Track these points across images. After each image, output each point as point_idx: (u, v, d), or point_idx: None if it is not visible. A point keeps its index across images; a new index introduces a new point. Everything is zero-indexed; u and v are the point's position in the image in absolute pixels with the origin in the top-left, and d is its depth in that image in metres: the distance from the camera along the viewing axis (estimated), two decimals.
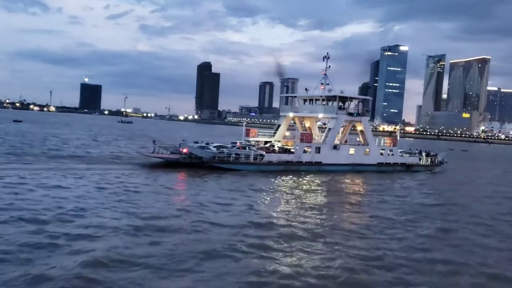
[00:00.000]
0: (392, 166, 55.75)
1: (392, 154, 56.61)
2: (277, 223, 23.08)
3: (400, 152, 59.21)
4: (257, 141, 53.32)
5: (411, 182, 46.36)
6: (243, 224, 22.07)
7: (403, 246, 20.26)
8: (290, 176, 42.74)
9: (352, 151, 52.92)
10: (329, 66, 55.78)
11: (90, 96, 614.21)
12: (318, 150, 50.04)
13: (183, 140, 48.77)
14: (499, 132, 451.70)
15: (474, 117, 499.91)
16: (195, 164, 42.63)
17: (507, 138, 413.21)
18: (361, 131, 55.42)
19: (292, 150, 49.26)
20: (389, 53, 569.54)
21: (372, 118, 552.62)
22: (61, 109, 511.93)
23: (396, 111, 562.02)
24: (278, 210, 26.74)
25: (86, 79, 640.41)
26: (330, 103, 54.19)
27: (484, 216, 29.16)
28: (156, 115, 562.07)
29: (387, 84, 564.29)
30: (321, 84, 56.05)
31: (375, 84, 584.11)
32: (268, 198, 30.55)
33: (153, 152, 46.12)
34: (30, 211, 21.67)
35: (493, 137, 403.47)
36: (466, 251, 20.34)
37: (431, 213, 29.21)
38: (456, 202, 34.87)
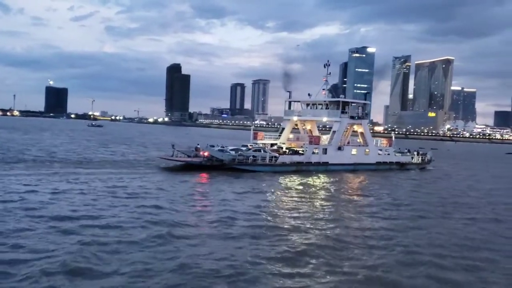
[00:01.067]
0: (389, 164, 59.88)
1: (388, 154, 60.70)
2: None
3: (393, 151, 63.32)
4: (264, 144, 55.87)
5: (416, 177, 53.17)
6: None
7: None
8: (304, 176, 45.85)
9: (354, 151, 56.48)
10: (330, 73, 59.40)
11: (56, 99, 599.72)
12: (325, 151, 53.37)
13: (198, 144, 50.97)
14: (464, 130, 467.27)
15: (439, 116, 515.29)
16: (216, 166, 44.84)
17: (471, 136, 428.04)
18: (361, 133, 59.24)
19: (301, 152, 52.49)
20: (357, 54, 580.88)
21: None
22: (25, 113, 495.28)
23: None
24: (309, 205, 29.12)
25: (51, 82, 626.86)
26: (332, 107, 57.43)
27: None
28: (124, 118, 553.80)
29: (355, 85, 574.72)
30: (323, 89, 59.88)
31: (344, 85, 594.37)
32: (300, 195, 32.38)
33: (172, 156, 47.98)
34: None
35: (458, 135, 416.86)
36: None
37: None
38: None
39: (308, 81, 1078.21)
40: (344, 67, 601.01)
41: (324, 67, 59.35)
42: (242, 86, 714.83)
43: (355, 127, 58.89)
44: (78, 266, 15.10)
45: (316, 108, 59.05)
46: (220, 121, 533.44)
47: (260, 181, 39.77)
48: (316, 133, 62.22)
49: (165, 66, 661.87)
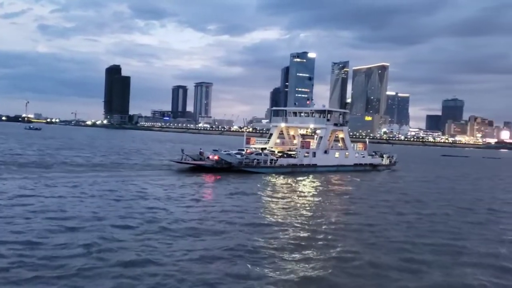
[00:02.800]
0: (364, 166, 66.75)
1: (363, 157, 67.75)
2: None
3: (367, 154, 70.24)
4: (255, 148, 60.23)
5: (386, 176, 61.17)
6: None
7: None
8: (298, 176, 51.43)
9: (337, 154, 63.46)
10: (313, 84, 68.95)
11: None
12: (314, 154, 59.51)
13: (200, 149, 55.43)
14: (399, 133, 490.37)
15: (375, 120, 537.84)
16: (226, 169, 49.20)
17: (406, 139, 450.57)
18: (342, 138, 65.95)
19: (293, 155, 57.99)
20: (298, 59, 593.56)
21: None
22: None
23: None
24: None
25: None
26: (318, 115, 63.63)
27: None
28: (61, 120, 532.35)
29: (296, 89, 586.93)
30: (308, 100, 68.24)
31: (286, 89, 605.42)
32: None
33: (181, 159, 52.06)
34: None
35: (394, 138, 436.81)
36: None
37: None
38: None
39: (249, 84, 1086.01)
40: (286, 71, 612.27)
41: (309, 79, 68.41)
42: (184, 88, 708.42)
43: (337, 133, 65.43)
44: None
45: (301, 116, 65.15)
46: (162, 124, 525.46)
47: (267, 180, 45.42)
48: (299, 139, 66.41)
49: (103, 67, 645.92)
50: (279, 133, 66.52)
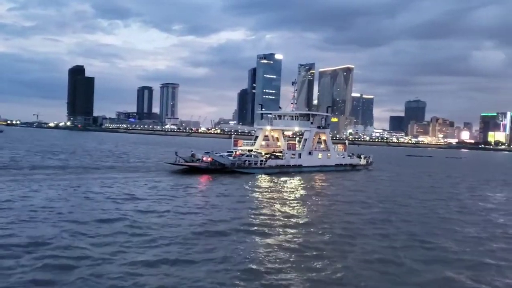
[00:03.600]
0: (344, 166, 70.25)
1: (343, 157, 71.61)
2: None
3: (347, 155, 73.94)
4: (242, 150, 62.06)
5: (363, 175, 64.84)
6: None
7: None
8: (285, 176, 54.12)
9: (320, 155, 66.74)
10: (296, 89, 68.77)
11: None
12: (299, 155, 62.39)
13: (192, 151, 57.46)
14: (363, 134, 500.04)
15: (341, 121, 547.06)
16: (219, 170, 51.49)
17: (371, 140, 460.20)
18: (324, 140, 69.12)
19: (280, 156, 60.58)
20: (265, 61, 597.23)
21: (251, 123, 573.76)
22: None
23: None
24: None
25: None
26: (302, 118, 66.74)
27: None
28: (22, 122, 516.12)
29: (264, 90, 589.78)
30: (291, 103, 70.45)
31: (253, 91, 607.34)
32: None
33: (175, 161, 53.65)
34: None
35: (359, 139, 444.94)
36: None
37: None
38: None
39: (215, 85, 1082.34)
40: (253, 72, 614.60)
41: (292, 84, 70.36)
42: (150, 89, 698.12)
43: (320, 135, 68.26)
44: None
45: (286, 119, 68.10)
46: (128, 125, 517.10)
47: (257, 180, 47.77)
48: (282, 140, 69.99)
49: (66, 67, 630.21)
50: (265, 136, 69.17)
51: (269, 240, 20.87)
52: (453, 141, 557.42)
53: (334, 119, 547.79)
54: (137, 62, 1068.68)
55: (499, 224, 28.79)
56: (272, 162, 57.84)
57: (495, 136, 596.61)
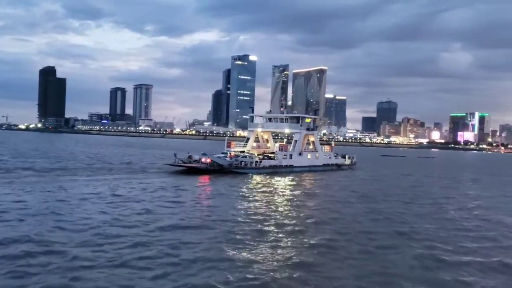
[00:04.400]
0: (331, 166, 74.14)
1: (330, 158, 75.07)
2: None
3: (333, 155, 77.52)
4: (235, 151, 64.70)
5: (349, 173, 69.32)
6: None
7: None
8: (278, 176, 57.22)
9: (309, 156, 69.97)
10: (284, 94, 69.66)
11: None
12: (290, 156, 65.52)
13: (188, 153, 60.64)
14: (337, 134, 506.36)
15: (315, 122, 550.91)
16: (218, 170, 54.24)
17: (344, 140, 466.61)
18: (313, 142, 72.29)
19: (272, 157, 63.46)
20: (240, 62, 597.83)
21: (226, 124, 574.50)
22: None
23: (248, 117, 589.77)
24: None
25: None
26: (292, 121, 70.44)
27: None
28: None
29: (239, 91, 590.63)
30: (281, 106, 79.96)
31: (228, 92, 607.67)
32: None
33: (174, 162, 56.82)
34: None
35: (333, 139, 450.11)
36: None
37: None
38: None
39: (189, 86, 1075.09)
40: (228, 74, 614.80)
41: (282, 89, 71.80)
42: (123, 90, 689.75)
43: (309, 137, 71.31)
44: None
45: (277, 121, 71.59)
46: (101, 127, 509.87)
47: (253, 179, 51.19)
48: (271, 142, 73.53)
49: (36, 68, 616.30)
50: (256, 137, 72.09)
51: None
52: (424, 141, 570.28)
53: (308, 120, 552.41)
54: (109, 62, 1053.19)
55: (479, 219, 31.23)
56: (266, 163, 61.00)
57: (464, 136, 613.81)
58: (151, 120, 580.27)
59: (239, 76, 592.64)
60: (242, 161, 57.89)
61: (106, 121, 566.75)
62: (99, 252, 18.16)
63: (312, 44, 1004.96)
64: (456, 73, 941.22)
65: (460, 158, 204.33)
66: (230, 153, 60.32)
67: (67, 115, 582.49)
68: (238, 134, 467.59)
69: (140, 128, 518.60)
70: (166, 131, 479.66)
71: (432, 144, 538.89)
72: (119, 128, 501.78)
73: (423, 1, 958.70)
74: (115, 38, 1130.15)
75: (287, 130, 71.92)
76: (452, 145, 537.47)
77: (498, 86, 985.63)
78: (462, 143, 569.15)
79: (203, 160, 55.72)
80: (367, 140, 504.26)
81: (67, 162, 64.21)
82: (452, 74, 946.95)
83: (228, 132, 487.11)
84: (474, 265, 19.02)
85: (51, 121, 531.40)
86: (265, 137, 73.46)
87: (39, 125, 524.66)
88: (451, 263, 19.22)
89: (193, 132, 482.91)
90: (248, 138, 70.89)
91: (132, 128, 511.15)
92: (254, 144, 70.61)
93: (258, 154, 64.16)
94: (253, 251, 19.47)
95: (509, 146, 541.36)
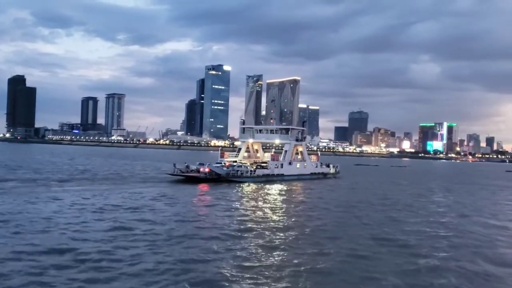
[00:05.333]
0: (317, 175, 77.79)
1: (316, 167, 78.79)
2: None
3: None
4: (228, 161, 67.34)
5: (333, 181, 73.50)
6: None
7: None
8: (270, 184, 60.58)
9: (298, 165, 73.41)
10: (275, 105, 75.79)
11: None
12: (281, 165, 68.71)
13: (185, 163, 64.45)
14: (310, 144, 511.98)
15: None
16: (215, 179, 57.24)
17: (318, 149, 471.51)
18: (301, 152, 75.86)
19: (264, 166, 67.14)
20: (213, 72, 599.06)
21: (200, 134, 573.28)
22: None
23: (222, 126, 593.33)
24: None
25: None
26: (282, 132, 74.48)
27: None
28: None
29: (212, 101, 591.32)
30: (271, 119, 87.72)
31: (202, 101, 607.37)
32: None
33: (174, 172, 60.32)
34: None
35: (307, 148, 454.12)
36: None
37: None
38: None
39: (161, 95, 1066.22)
40: (201, 83, 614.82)
41: (272, 102, 79.34)
42: (95, 100, 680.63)
43: (297, 147, 74.77)
44: None
45: (268, 132, 75.72)
46: (72, 137, 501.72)
47: (249, 187, 54.78)
48: (261, 152, 77.01)
49: (4, 77, 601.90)
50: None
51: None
52: (395, 150, 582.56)
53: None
54: (79, 71, 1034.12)
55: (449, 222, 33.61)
56: (259, 172, 64.13)
57: (433, 145, 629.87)
58: (124, 129, 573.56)
59: (213, 86, 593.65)
60: (238, 170, 60.66)
61: (77, 131, 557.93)
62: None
63: (285, 55, 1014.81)
64: (425, 84, 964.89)
65: (431, 167, 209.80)
66: (225, 163, 63.02)
67: (37, 125, 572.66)
68: (213, 144, 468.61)
69: (113, 138, 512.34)
70: (139, 141, 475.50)
71: (402, 153, 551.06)
72: (91, 138, 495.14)
73: (392, 14, 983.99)
74: (86, 46, 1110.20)
75: (277, 141, 76.00)
76: (422, 154, 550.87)
77: (465, 96, 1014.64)
78: (431, 152, 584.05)
79: (201, 169, 58.56)
80: (340, 149, 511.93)
81: (69, 173, 65.93)
82: (421, 85, 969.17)
83: (203, 142, 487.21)
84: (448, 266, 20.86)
85: (20, 131, 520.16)
86: (255, 147, 76.68)
87: (8, 135, 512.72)
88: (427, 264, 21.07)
89: (167, 142, 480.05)
90: (240, 149, 74.11)
91: (104, 138, 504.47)
92: (246, 154, 73.56)
93: (250, 164, 66.97)
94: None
95: (476, 155, 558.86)
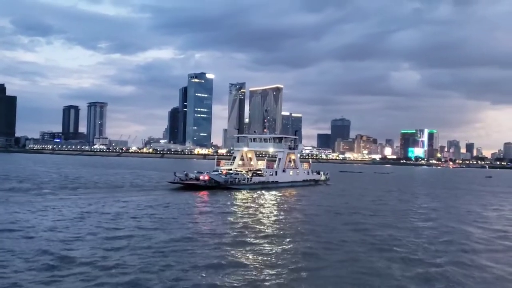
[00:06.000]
0: (309, 181, 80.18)
1: (308, 174, 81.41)
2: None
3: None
4: (224, 169, 69.79)
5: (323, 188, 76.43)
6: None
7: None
8: (266, 190, 63.01)
9: (291, 173, 76.03)
10: (268, 116, 76.78)
11: None
12: (276, 173, 71.22)
13: (184, 171, 67.17)
14: None
15: None
16: (215, 186, 59.59)
17: (301, 157, 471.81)
18: (294, 159, 78.30)
19: (260, 173, 69.34)
20: (196, 80, 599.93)
21: (183, 142, 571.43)
22: None
23: (205, 134, 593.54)
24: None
25: None
26: (275, 141, 77.24)
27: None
28: None
29: (196, 109, 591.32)
30: (264, 128, 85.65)
31: (185, 109, 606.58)
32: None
33: (174, 180, 62.58)
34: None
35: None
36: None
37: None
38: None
39: (143, 104, 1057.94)
40: (184, 91, 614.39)
41: (266, 111, 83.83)
42: (76, 108, 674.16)
43: (290, 155, 77.25)
44: None
45: (262, 141, 78.32)
46: (54, 146, 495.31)
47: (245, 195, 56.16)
48: (254, 160, 79.48)
49: None
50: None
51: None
52: (377, 157, 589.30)
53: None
54: (60, 80, 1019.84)
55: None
56: (256, 179, 66.72)
57: (414, 151, 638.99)
58: (106, 138, 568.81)
59: (196, 94, 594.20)
60: (236, 178, 63.17)
61: (59, 140, 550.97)
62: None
63: (267, 63, 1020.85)
64: (406, 91, 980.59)
65: (413, 173, 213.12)
66: (222, 171, 65.45)
67: (17, 134, 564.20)
68: (196, 152, 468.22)
69: (95, 146, 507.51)
70: (122, 149, 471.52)
71: (384, 160, 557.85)
72: (73, 147, 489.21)
73: (373, 22, 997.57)
74: (66, 55, 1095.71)
75: (271, 150, 78.36)
76: (404, 161, 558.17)
77: (445, 103, 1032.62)
78: (413, 158, 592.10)
79: (201, 177, 61.00)
80: (323, 156, 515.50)
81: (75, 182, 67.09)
82: (402, 92, 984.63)
83: (186, 150, 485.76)
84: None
85: (0, 140, 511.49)
86: (249, 155, 78.97)
87: None
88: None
89: (150, 150, 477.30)
90: (235, 157, 76.29)
91: (87, 147, 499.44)
92: (240, 162, 75.91)
93: (246, 172, 69.22)
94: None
95: (457, 161, 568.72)
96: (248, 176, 65.64)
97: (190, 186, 59.38)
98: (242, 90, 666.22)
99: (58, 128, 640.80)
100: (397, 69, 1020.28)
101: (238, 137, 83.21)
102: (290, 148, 77.87)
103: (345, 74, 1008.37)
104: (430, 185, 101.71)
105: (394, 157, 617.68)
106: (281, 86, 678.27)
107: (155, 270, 19.02)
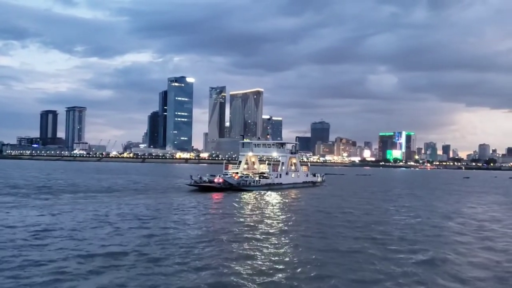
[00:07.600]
0: (308, 183, 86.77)
1: (307, 176, 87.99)
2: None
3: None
4: (232, 172, 76.07)
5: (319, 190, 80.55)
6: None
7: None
8: (272, 191, 68.50)
9: (293, 175, 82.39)
10: (272, 122, 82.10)
11: None
12: (280, 175, 77.34)
13: (198, 174, 72.29)
14: None
15: None
16: (228, 188, 65.60)
17: None
18: (295, 163, 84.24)
19: (266, 176, 75.54)
20: (176, 84, 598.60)
21: (163, 146, 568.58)
22: None
23: (186, 138, 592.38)
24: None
25: None
26: (278, 146, 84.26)
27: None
28: None
29: (176, 113, 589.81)
30: (267, 134, 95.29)
31: (165, 113, 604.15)
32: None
33: (191, 183, 68.64)
34: None
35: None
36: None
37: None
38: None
39: (121, 108, 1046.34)
40: (164, 95, 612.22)
41: (269, 119, 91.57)
42: (54, 113, 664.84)
43: (292, 159, 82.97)
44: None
45: (265, 146, 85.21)
46: (32, 152, 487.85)
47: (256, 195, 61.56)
48: (257, 164, 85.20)
49: None
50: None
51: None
52: (356, 159, 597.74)
53: (247, 140, 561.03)
54: (36, 84, 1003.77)
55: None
56: (263, 181, 72.99)
57: (392, 153, 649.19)
58: (86, 143, 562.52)
59: (176, 98, 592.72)
60: (247, 180, 69.89)
61: (36, 145, 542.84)
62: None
63: (246, 67, 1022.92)
64: (383, 94, 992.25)
65: (393, 175, 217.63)
66: (233, 174, 72.75)
67: None
68: (178, 156, 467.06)
69: (75, 152, 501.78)
70: (102, 154, 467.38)
71: (364, 162, 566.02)
72: (52, 152, 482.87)
73: (350, 26, 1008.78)
74: (42, 59, 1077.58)
75: (275, 154, 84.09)
76: (383, 163, 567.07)
77: (422, 106, 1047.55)
78: (391, 160, 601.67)
79: (216, 180, 67.23)
80: (304, 159, 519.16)
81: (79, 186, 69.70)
82: (379, 95, 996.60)
83: (167, 154, 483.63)
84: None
85: None
86: (253, 160, 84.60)
87: None
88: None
89: (131, 155, 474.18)
90: (240, 161, 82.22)
91: (66, 152, 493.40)
92: (245, 166, 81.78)
93: (254, 174, 75.82)
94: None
95: (434, 163, 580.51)
96: (257, 179, 71.94)
97: (206, 188, 65.33)
98: (222, 94, 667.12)
99: (35, 134, 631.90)
100: (374, 72, 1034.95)
101: (243, 143, 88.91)
102: (291, 153, 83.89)
103: (323, 78, 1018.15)
104: (410, 186, 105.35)
105: (373, 159, 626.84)
106: (262, 90, 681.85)
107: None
